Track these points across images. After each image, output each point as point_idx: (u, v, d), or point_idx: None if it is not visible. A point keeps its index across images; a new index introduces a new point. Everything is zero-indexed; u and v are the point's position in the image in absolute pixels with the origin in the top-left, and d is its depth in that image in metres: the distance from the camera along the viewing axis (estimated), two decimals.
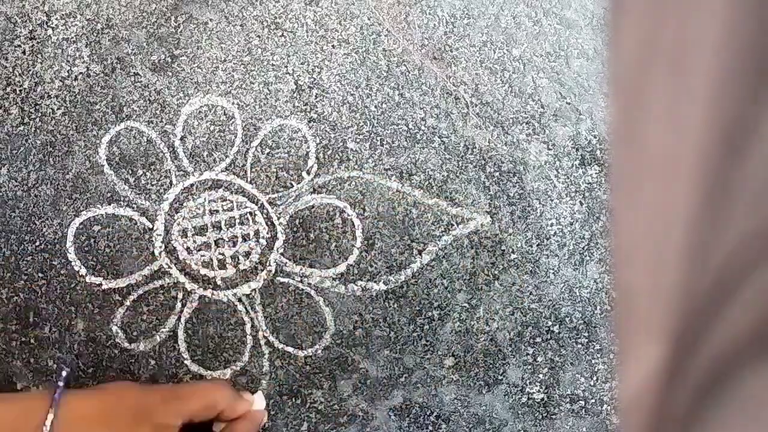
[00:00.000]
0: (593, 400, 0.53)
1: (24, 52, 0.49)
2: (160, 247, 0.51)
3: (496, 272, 0.52)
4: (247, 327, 0.51)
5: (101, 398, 0.45)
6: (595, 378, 0.53)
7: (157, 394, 0.45)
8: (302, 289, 0.51)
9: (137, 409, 0.44)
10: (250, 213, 0.51)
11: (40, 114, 0.50)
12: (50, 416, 0.43)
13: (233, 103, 0.51)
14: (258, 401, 0.50)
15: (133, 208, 0.50)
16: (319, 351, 0.52)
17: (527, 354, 0.53)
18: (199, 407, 0.46)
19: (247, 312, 0.51)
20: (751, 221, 0.15)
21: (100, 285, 0.50)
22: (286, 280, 0.51)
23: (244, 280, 0.51)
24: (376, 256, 0.51)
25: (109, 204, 0.50)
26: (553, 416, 0.53)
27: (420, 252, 0.52)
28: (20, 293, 0.50)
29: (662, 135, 0.17)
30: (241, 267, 0.51)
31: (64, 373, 0.46)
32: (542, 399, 0.53)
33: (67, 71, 0.50)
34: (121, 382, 0.48)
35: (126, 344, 0.51)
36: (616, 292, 0.19)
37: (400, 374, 0.52)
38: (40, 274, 0.50)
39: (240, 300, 0.51)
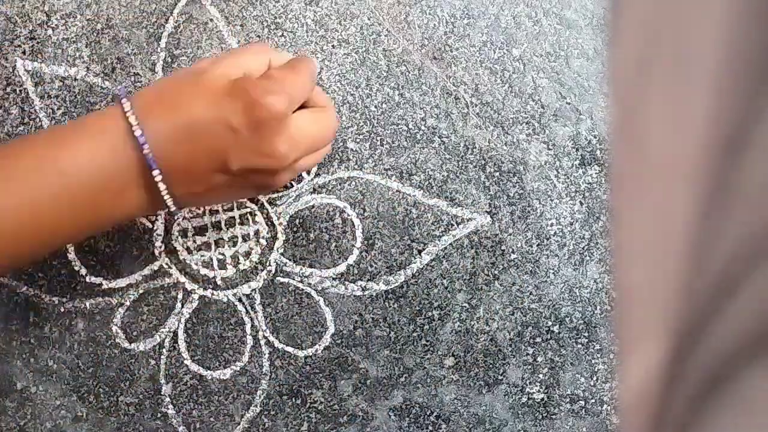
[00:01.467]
0: (593, 400, 0.53)
1: (24, 52, 0.49)
2: (160, 247, 0.51)
3: (496, 272, 0.52)
4: (247, 327, 0.51)
5: (163, 79, 0.44)
6: (595, 378, 0.53)
7: (204, 61, 0.44)
8: (302, 289, 0.51)
9: (194, 74, 0.43)
10: (250, 213, 0.51)
11: (40, 114, 0.50)
12: (126, 103, 0.41)
13: None
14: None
15: None
16: (319, 351, 0.52)
17: (527, 354, 0.53)
18: (248, 59, 0.44)
19: (247, 312, 0.51)
20: (751, 221, 0.15)
21: (100, 285, 0.50)
22: (286, 280, 0.51)
23: (244, 280, 0.51)
24: (376, 256, 0.51)
25: None
26: (553, 416, 0.53)
27: (420, 252, 0.52)
28: (20, 293, 0.50)
29: (662, 135, 0.17)
30: (241, 267, 0.51)
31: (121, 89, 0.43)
32: (542, 399, 0.53)
33: (67, 71, 0.50)
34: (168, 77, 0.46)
35: (126, 344, 0.51)
36: (616, 292, 0.19)
37: (400, 374, 0.52)
38: (40, 274, 0.50)
39: (240, 300, 0.51)
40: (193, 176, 0.42)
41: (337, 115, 0.48)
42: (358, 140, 0.51)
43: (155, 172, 0.41)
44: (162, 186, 0.42)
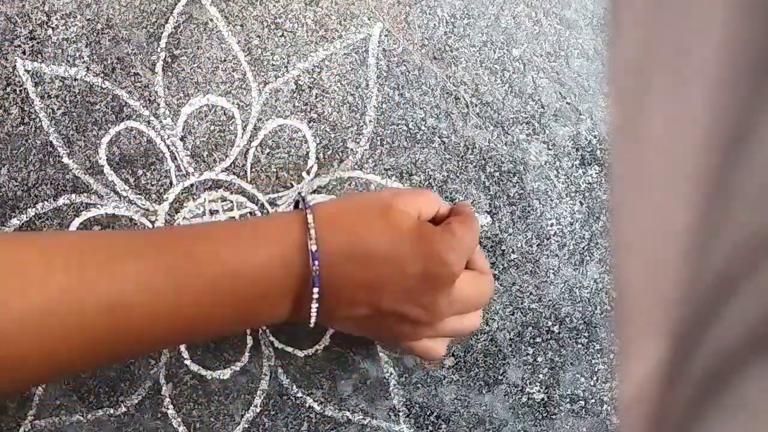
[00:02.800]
0: (593, 400, 0.53)
1: (24, 52, 0.49)
2: None
3: (496, 272, 0.52)
4: None
5: (343, 200, 0.44)
6: (595, 378, 0.53)
7: (386, 192, 0.44)
8: None
9: (379, 203, 0.43)
10: (250, 213, 0.51)
11: (40, 114, 0.50)
12: (309, 215, 0.41)
13: (233, 103, 0.51)
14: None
15: (133, 208, 0.50)
16: (319, 351, 0.52)
17: (527, 354, 0.53)
18: (424, 201, 0.44)
19: None
20: (751, 221, 0.15)
21: None
22: None
23: None
24: None
25: (109, 204, 0.50)
26: (553, 416, 0.53)
27: None
28: None
29: (662, 135, 0.17)
30: None
31: (301, 194, 0.44)
32: (542, 399, 0.53)
33: (67, 71, 0.50)
34: (348, 194, 0.46)
35: None
36: (616, 292, 0.19)
37: (400, 374, 0.52)
38: None
39: None
40: (343, 299, 0.42)
41: (494, 282, 0.48)
42: (358, 140, 0.51)
43: (315, 290, 0.41)
44: (315, 305, 0.41)
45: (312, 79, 0.51)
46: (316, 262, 0.40)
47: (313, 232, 0.41)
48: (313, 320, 0.42)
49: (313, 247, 0.40)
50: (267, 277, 0.40)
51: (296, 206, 0.45)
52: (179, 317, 0.39)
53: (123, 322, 0.38)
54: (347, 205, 0.43)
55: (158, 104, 0.50)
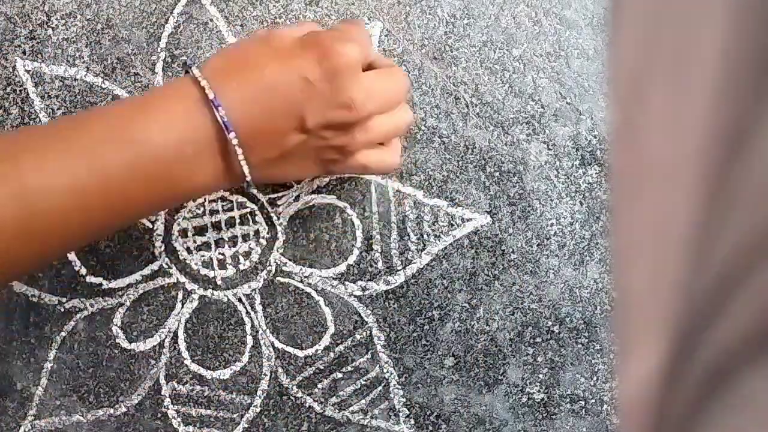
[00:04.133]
0: (593, 400, 0.53)
1: (24, 52, 0.49)
2: (160, 247, 0.51)
3: (496, 272, 0.52)
4: (247, 327, 0.51)
5: (224, 49, 0.44)
6: (595, 378, 0.53)
7: (264, 29, 0.44)
8: (302, 289, 0.51)
9: (256, 34, 0.43)
10: (250, 213, 0.51)
11: (40, 114, 0.50)
12: (195, 71, 0.40)
13: None
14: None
15: None
16: (319, 351, 0.52)
17: (527, 354, 0.53)
18: (305, 27, 0.44)
19: (247, 312, 0.51)
20: (751, 221, 0.15)
21: (100, 285, 0.50)
22: (286, 280, 0.51)
23: (244, 280, 0.51)
24: (376, 256, 0.51)
25: None
26: (553, 416, 0.53)
27: (420, 252, 0.52)
28: (20, 293, 0.50)
29: (662, 135, 0.17)
30: (241, 267, 0.51)
31: (185, 59, 0.43)
32: (542, 399, 0.53)
33: (67, 71, 0.50)
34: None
35: (126, 344, 0.51)
36: (616, 292, 0.19)
37: (400, 374, 0.52)
38: (40, 275, 0.50)
39: (240, 300, 0.51)
40: (269, 138, 0.41)
41: (406, 75, 0.47)
42: None
43: (231, 135, 0.40)
44: (239, 150, 0.41)
45: None
46: (221, 108, 0.40)
47: (204, 82, 0.40)
48: (246, 171, 0.42)
49: (211, 95, 0.40)
50: (174, 138, 0.40)
51: (183, 67, 0.45)
52: (94, 196, 0.39)
53: (34, 207, 0.37)
54: (231, 50, 0.43)
55: None
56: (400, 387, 0.52)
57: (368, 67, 0.45)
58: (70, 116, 0.45)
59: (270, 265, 0.51)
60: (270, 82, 0.41)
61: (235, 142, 0.40)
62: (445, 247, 0.52)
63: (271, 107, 0.41)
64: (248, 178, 0.42)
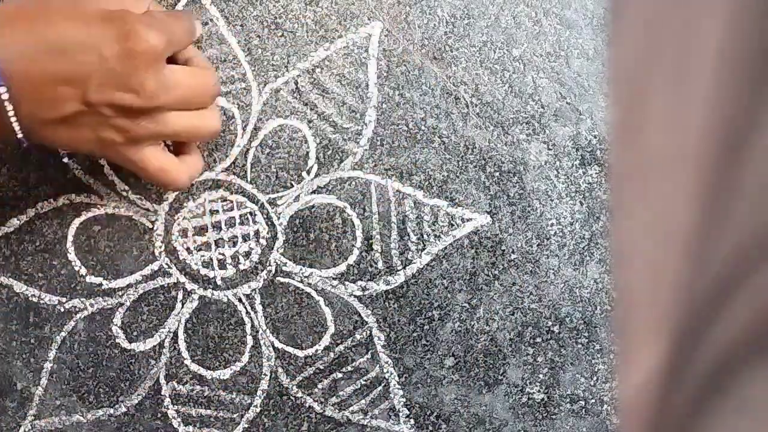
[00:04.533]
0: (593, 400, 0.53)
1: None
2: (160, 247, 0.51)
3: (496, 272, 0.52)
4: (247, 327, 0.51)
5: None
6: (595, 378, 0.53)
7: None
8: (302, 289, 0.51)
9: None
10: (250, 213, 0.51)
11: None
12: None
13: (233, 103, 0.51)
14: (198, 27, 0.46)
15: (133, 208, 0.50)
16: (319, 351, 0.52)
17: (527, 354, 0.53)
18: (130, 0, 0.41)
19: (247, 312, 0.51)
20: (751, 221, 0.15)
21: (100, 285, 0.50)
22: (286, 280, 0.51)
23: (244, 280, 0.51)
24: (376, 256, 0.51)
25: (109, 204, 0.50)
26: (553, 416, 0.53)
27: (420, 252, 0.52)
28: (20, 293, 0.50)
29: (662, 135, 0.17)
30: (241, 267, 0.51)
31: None
32: (542, 399, 0.53)
33: None
34: None
35: (126, 344, 0.51)
36: (616, 292, 0.19)
37: (400, 374, 0.52)
38: (40, 274, 0.50)
39: (240, 300, 0.51)
40: (45, 98, 0.39)
41: (218, 82, 0.45)
42: (358, 140, 0.51)
43: (2, 89, 0.38)
44: (9, 106, 0.38)
45: (312, 79, 0.51)
46: None
47: None
48: (16, 127, 0.39)
49: None
50: None
51: None
52: None
53: None
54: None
55: None
56: (400, 387, 0.52)
57: (185, 64, 0.43)
58: None
59: (270, 265, 0.51)
60: (62, 45, 0.38)
61: (5, 96, 0.38)
62: (445, 247, 0.52)
63: (56, 70, 0.39)
64: (19, 135, 0.40)
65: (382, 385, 0.52)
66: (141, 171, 0.44)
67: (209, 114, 0.44)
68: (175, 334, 0.51)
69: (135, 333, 0.51)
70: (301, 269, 0.51)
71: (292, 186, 0.51)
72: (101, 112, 0.40)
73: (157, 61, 0.40)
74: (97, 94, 0.39)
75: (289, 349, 0.51)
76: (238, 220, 0.51)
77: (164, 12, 0.43)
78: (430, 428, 0.52)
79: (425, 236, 0.52)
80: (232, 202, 0.51)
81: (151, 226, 0.51)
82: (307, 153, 0.51)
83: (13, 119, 0.39)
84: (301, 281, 0.51)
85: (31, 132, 0.40)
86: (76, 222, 0.50)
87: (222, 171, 0.51)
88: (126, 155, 0.43)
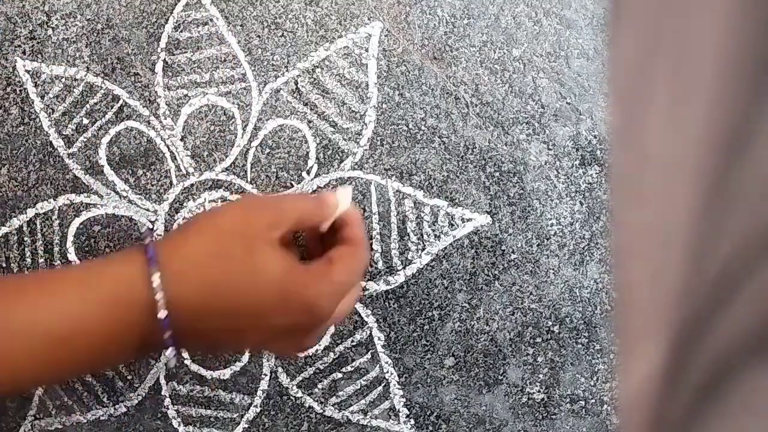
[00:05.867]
0: (593, 400, 0.53)
1: (24, 52, 0.49)
2: None
3: (496, 272, 0.52)
4: None
5: (197, 235, 0.39)
6: (595, 378, 0.53)
7: (239, 210, 0.40)
8: None
9: (240, 234, 0.38)
10: None
11: (40, 114, 0.50)
12: (155, 276, 0.36)
13: (233, 103, 0.51)
14: (342, 199, 0.44)
15: (133, 208, 0.50)
16: (319, 351, 0.52)
17: (527, 354, 0.53)
18: (295, 219, 0.40)
19: None
20: (751, 221, 0.15)
21: None
22: None
23: None
24: (376, 256, 0.51)
25: (109, 204, 0.50)
26: (553, 416, 0.53)
27: (420, 252, 0.52)
28: None
29: (662, 135, 0.17)
30: None
31: (147, 232, 0.39)
32: (542, 399, 0.53)
33: (67, 71, 0.50)
34: (204, 214, 0.41)
35: None
36: (616, 292, 0.19)
37: (400, 374, 0.52)
38: None
39: None
40: (204, 344, 0.40)
41: (369, 251, 0.45)
42: (358, 140, 0.51)
43: (170, 351, 0.37)
44: (172, 354, 0.38)
45: (312, 79, 0.51)
46: (167, 329, 0.36)
47: (160, 296, 0.36)
48: (172, 364, 0.40)
49: (163, 314, 0.36)
50: (102, 341, 0.36)
51: (139, 239, 0.40)
52: (13, 381, 0.36)
53: None
54: (201, 244, 0.38)
55: (158, 104, 0.50)
56: (400, 387, 0.52)
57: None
58: (8, 279, 0.42)
59: None
60: (230, 308, 0.37)
61: (171, 354, 0.38)
62: (445, 247, 0.52)
63: (221, 327, 0.38)
64: (167, 359, 0.40)
65: (382, 385, 0.52)
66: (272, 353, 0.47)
67: (353, 295, 0.44)
68: None
69: None
70: None
71: (292, 186, 0.51)
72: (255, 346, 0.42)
73: (323, 323, 0.40)
74: (254, 344, 0.41)
75: None
76: None
77: (342, 262, 0.40)
78: (430, 428, 0.52)
79: (425, 236, 0.52)
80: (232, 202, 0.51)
81: (151, 226, 0.51)
82: (307, 153, 0.51)
83: (171, 357, 0.38)
84: None
85: (180, 346, 0.39)
86: (76, 222, 0.50)
87: (222, 171, 0.51)
88: (304, 346, 0.44)
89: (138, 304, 0.36)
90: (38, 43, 0.50)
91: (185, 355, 0.51)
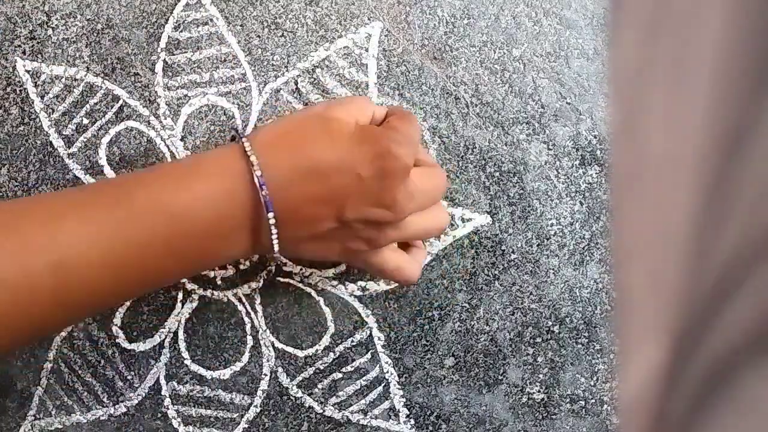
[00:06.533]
0: (593, 400, 0.53)
1: (24, 52, 0.49)
2: None
3: (496, 272, 0.52)
4: (247, 327, 0.51)
5: (278, 122, 0.43)
6: (595, 378, 0.53)
7: (318, 106, 0.44)
8: (302, 289, 0.51)
9: (315, 118, 0.42)
10: None
11: (40, 114, 0.50)
12: (246, 144, 0.40)
13: (233, 103, 0.51)
14: None
15: None
16: (319, 351, 0.52)
17: (527, 354, 0.53)
18: (357, 106, 0.44)
19: (247, 312, 0.51)
20: (751, 221, 0.15)
21: None
22: (286, 280, 0.51)
23: (244, 280, 0.51)
24: None
25: None
26: (553, 416, 0.53)
27: None
28: None
29: (662, 135, 0.17)
30: (241, 267, 0.51)
31: (237, 125, 0.43)
32: (542, 399, 0.53)
33: (67, 71, 0.50)
34: (280, 116, 0.46)
35: (126, 344, 0.51)
36: (616, 292, 0.19)
37: (400, 374, 0.52)
38: None
39: (240, 300, 0.51)
40: (305, 220, 0.41)
41: (446, 175, 0.48)
42: None
43: (270, 215, 0.40)
44: (274, 230, 0.41)
45: (312, 79, 0.51)
46: (264, 188, 0.40)
47: (254, 158, 0.40)
48: (276, 248, 0.42)
49: (258, 173, 0.40)
50: (213, 214, 0.40)
51: (233, 140, 0.44)
52: (130, 269, 0.39)
53: (70, 279, 0.37)
54: (283, 125, 0.43)
55: (158, 104, 0.50)
56: (400, 387, 0.52)
57: (416, 164, 0.45)
58: (113, 180, 0.45)
59: (270, 264, 0.51)
60: (320, 168, 0.41)
61: (272, 222, 0.41)
62: (445, 247, 0.52)
63: (315, 193, 0.41)
64: (275, 254, 0.42)
65: (382, 385, 0.52)
66: (379, 272, 0.46)
67: (439, 211, 0.47)
68: (175, 334, 0.51)
69: (135, 333, 0.51)
70: (301, 269, 0.51)
71: None
72: (353, 226, 0.42)
73: (406, 175, 0.42)
74: (353, 212, 0.41)
75: (289, 349, 0.51)
76: None
77: (400, 120, 0.44)
78: (430, 428, 0.52)
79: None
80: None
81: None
82: None
83: (275, 240, 0.41)
84: (301, 281, 0.51)
85: (286, 249, 0.43)
86: None
87: None
88: (367, 260, 0.45)
89: (237, 174, 0.40)
90: (38, 43, 0.50)
91: (185, 355, 0.51)
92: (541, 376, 0.53)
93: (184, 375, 0.51)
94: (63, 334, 0.50)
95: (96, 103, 0.50)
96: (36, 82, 0.50)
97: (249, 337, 0.51)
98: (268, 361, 0.51)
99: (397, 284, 0.50)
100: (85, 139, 0.50)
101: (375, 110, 0.45)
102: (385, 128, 0.43)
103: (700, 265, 0.16)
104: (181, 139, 0.51)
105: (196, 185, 0.40)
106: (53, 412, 0.51)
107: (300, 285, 0.51)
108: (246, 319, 0.51)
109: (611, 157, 0.18)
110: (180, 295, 0.51)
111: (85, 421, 0.51)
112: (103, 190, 0.42)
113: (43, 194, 0.45)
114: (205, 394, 0.51)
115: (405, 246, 0.48)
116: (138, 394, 0.51)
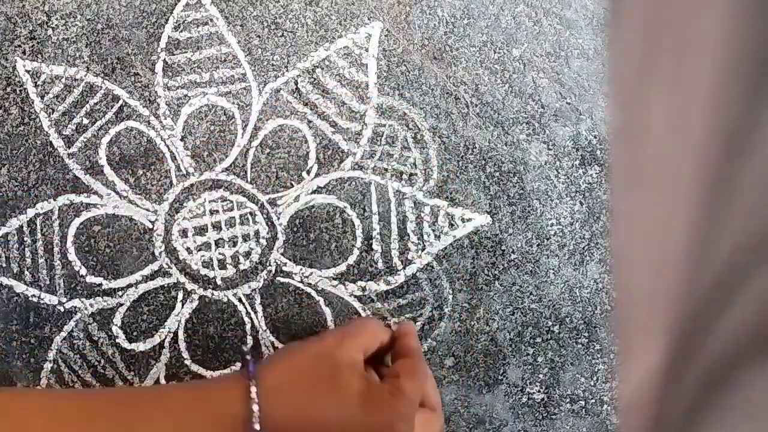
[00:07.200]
0: (593, 400, 0.53)
1: (24, 52, 0.49)
2: (160, 247, 0.51)
3: (496, 272, 0.52)
4: (247, 327, 0.51)
5: (289, 360, 0.44)
6: (595, 378, 0.53)
7: (331, 340, 0.44)
8: (302, 289, 0.51)
9: (326, 360, 0.43)
10: (250, 213, 0.51)
11: (40, 114, 0.50)
12: (252, 388, 0.41)
13: (233, 103, 0.51)
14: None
15: (133, 208, 0.50)
16: None
17: (527, 354, 0.53)
18: (368, 339, 0.45)
19: (247, 312, 0.51)
20: (751, 221, 0.15)
21: (100, 285, 0.50)
22: (286, 280, 0.51)
23: (244, 280, 0.51)
24: (376, 256, 0.51)
25: (109, 204, 0.50)
26: (553, 416, 0.53)
27: (420, 252, 0.52)
28: (20, 293, 0.50)
29: (662, 135, 0.17)
30: (241, 267, 0.51)
31: (248, 354, 0.44)
32: (542, 399, 0.53)
33: (67, 71, 0.50)
34: (293, 345, 0.47)
35: (126, 344, 0.51)
36: (616, 292, 0.19)
37: None
38: (40, 275, 0.50)
39: (240, 300, 0.51)
40: None
41: (443, 420, 0.49)
42: (358, 140, 0.51)
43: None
44: None
45: (312, 79, 0.51)
46: None
47: (256, 408, 0.41)
48: None
49: (257, 427, 0.41)
50: None
51: (243, 361, 0.45)
52: None
53: None
54: (293, 365, 0.43)
55: (158, 104, 0.50)
56: None
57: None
58: (114, 405, 0.46)
59: (270, 265, 0.51)
60: (318, 426, 0.42)
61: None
62: (445, 247, 0.52)
63: None
64: None
65: None
66: None
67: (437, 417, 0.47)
68: (175, 334, 0.51)
69: (135, 333, 0.51)
70: (301, 269, 0.51)
71: (292, 186, 0.51)
72: None
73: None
74: None
75: None
76: (238, 220, 0.51)
77: (409, 381, 0.44)
78: None
79: (425, 236, 0.52)
80: (232, 202, 0.51)
81: (151, 226, 0.51)
82: (307, 153, 0.51)
83: None
84: (301, 281, 0.51)
85: None
86: (76, 222, 0.50)
87: (222, 171, 0.51)
88: None
89: (237, 419, 0.41)
90: (38, 43, 0.50)
91: (185, 355, 0.51)
92: (541, 376, 0.53)
93: (184, 375, 0.51)
94: (63, 334, 0.50)
95: (96, 103, 0.50)
96: (36, 82, 0.50)
97: (249, 338, 0.51)
98: None
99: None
100: (85, 139, 0.50)
101: (383, 338, 0.47)
102: (393, 394, 0.43)
103: (699, 265, 0.16)
104: (181, 139, 0.51)
105: (195, 420, 0.41)
106: None
107: (300, 285, 0.51)
108: (246, 320, 0.51)
109: (611, 157, 0.18)
110: (180, 295, 0.51)
111: None
112: (103, 411, 0.43)
113: (45, 406, 0.44)
114: None
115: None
116: None
